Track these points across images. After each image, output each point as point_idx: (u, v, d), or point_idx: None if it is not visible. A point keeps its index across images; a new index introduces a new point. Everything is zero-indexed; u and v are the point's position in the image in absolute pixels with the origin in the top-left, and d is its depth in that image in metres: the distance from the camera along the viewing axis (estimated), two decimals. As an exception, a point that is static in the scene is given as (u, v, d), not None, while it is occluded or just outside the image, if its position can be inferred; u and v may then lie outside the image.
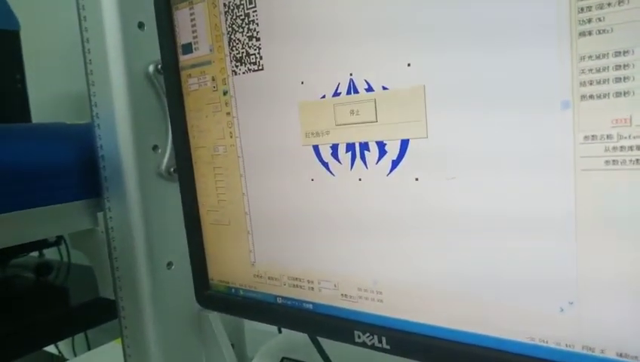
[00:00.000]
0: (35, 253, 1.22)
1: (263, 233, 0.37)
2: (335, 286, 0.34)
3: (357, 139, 0.31)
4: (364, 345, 0.32)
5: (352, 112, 0.31)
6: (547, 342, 0.26)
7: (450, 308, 0.29)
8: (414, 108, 0.29)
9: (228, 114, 0.38)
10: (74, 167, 0.49)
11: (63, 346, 1.43)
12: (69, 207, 0.48)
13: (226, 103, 0.38)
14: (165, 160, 0.45)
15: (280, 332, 0.62)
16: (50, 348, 1.40)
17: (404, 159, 0.30)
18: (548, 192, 0.25)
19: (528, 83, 0.24)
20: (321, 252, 0.34)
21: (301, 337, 0.47)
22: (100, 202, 0.47)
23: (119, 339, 0.71)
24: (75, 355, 1.11)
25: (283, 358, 0.44)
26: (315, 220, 0.34)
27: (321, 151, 0.33)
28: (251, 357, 0.48)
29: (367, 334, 0.32)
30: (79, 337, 1.33)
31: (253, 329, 0.62)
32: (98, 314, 0.97)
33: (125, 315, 0.47)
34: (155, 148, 0.45)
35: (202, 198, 0.41)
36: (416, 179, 0.29)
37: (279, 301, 0.37)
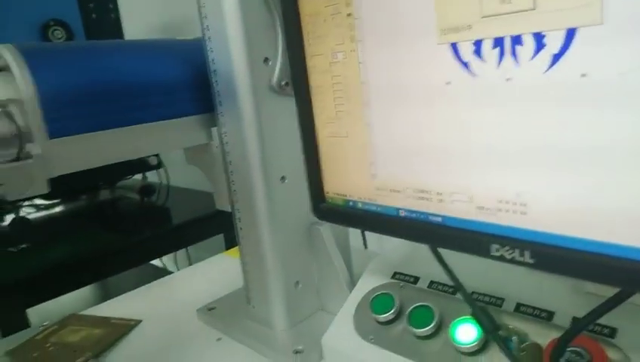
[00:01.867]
0: (138, 176, 1.33)
1: (386, 144, 0.36)
2: (470, 198, 0.32)
3: (508, 32, 0.27)
4: (502, 259, 0.30)
5: (502, 0, 0.27)
6: None
7: (609, 221, 0.26)
8: (589, -12, 0.24)
9: (349, 15, 0.35)
10: (187, 82, 0.49)
11: (167, 261, 1.58)
12: (184, 121, 0.49)
13: (347, 4, 0.35)
14: (277, 72, 0.44)
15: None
16: (157, 263, 1.55)
17: (568, 51, 0.26)
18: None
19: None
20: (455, 163, 0.32)
21: (412, 251, 0.46)
22: (213, 117, 0.48)
23: (225, 252, 0.76)
24: (178, 269, 1.22)
25: (395, 273, 0.44)
26: (449, 128, 0.32)
27: (460, 49, 0.30)
28: (358, 275, 0.49)
29: (507, 247, 0.30)
30: (181, 253, 1.45)
31: (359, 250, 0.63)
32: (215, 225, 1.05)
33: (242, 226, 0.49)
34: (266, 60, 0.44)
35: (318, 110, 0.40)
36: (583, 75, 0.25)
37: (402, 214, 0.36)
